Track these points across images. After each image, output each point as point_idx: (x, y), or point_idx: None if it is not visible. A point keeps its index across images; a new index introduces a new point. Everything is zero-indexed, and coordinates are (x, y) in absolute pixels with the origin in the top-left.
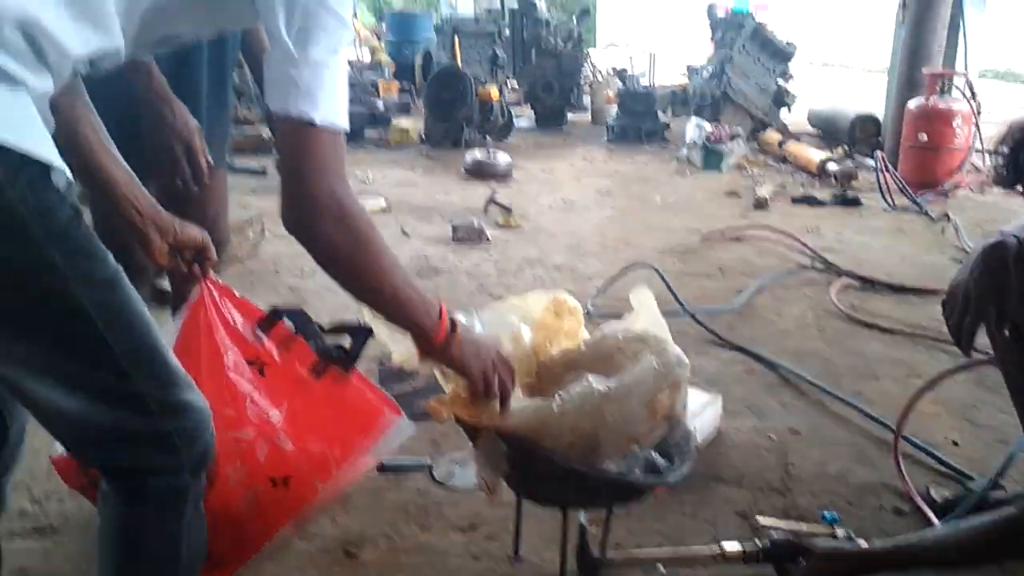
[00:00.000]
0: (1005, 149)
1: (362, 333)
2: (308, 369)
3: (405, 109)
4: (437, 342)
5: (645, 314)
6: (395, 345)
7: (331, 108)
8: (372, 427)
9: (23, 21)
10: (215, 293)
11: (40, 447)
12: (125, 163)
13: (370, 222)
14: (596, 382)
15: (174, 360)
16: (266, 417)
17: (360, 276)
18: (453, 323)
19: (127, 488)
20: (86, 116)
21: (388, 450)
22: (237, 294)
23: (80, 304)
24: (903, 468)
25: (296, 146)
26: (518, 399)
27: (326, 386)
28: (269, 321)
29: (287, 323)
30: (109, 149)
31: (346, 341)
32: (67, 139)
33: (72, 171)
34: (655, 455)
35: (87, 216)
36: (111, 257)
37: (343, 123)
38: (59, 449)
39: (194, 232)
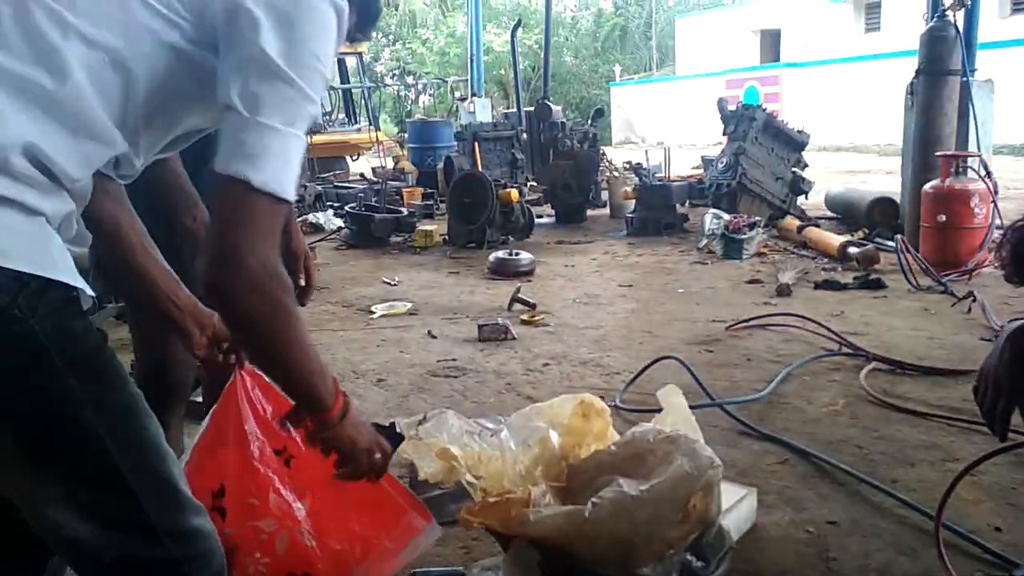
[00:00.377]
0: (1004, 252)
1: (394, 437)
2: (335, 464)
3: (428, 214)
4: (332, 417)
5: (674, 413)
6: (424, 462)
7: (274, 174)
8: (397, 529)
9: (27, 147)
10: (248, 382)
11: None
12: (165, 262)
13: (290, 290)
14: (628, 487)
15: (185, 488)
16: (289, 510)
17: (273, 344)
18: (347, 400)
19: None
20: (128, 220)
21: (414, 555)
22: (271, 383)
23: (94, 431)
24: (946, 558)
25: (231, 207)
26: (549, 505)
27: (353, 484)
28: (298, 414)
29: None
30: (150, 251)
31: None
32: (110, 242)
33: (116, 271)
34: (690, 557)
35: None
36: (131, 384)
37: (286, 193)
38: None
39: None
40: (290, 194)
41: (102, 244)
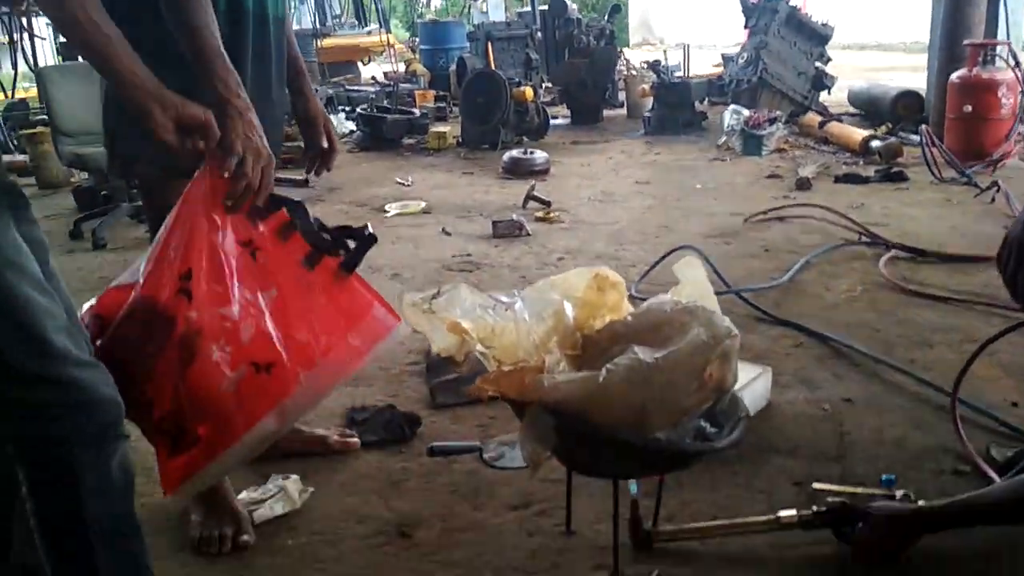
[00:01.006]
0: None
1: (365, 239)
2: (302, 259)
3: (441, 116)
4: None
5: (691, 285)
6: (436, 336)
7: None
8: (364, 323)
9: None
10: (214, 175)
11: None
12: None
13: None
14: (643, 354)
15: (62, 339)
16: (254, 299)
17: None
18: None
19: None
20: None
21: (380, 351)
22: None
23: None
24: (962, 431)
25: None
26: (564, 372)
27: (321, 280)
28: (266, 208)
29: (286, 214)
30: (108, 24)
31: None
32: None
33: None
34: (704, 423)
35: None
36: (9, 234)
37: None
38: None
39: (197, 110)
40: None
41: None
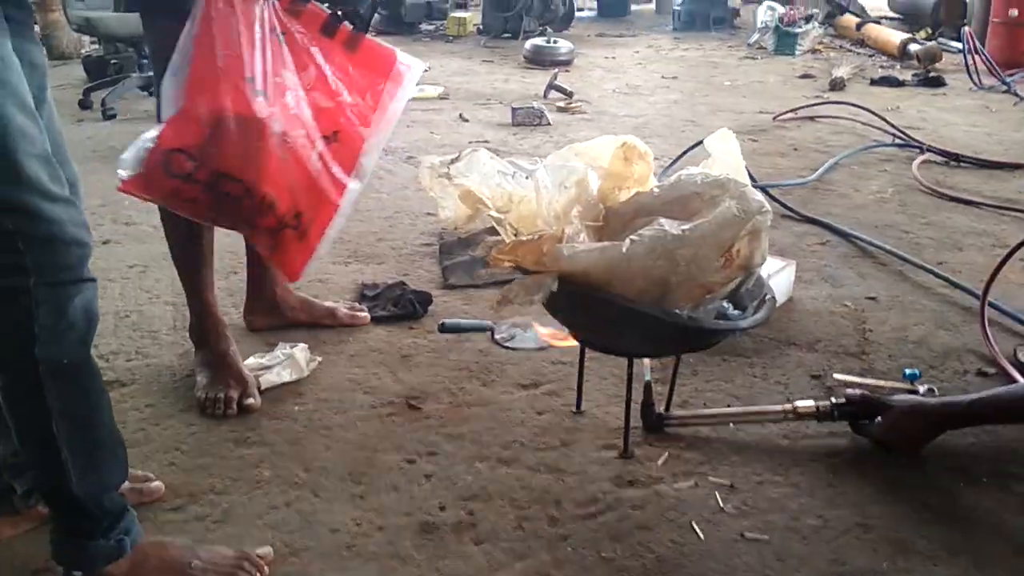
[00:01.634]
0: None
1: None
2: (319, 31)
3: (462, 3)
4: None
5: (723, 159)
6: (446, 204)
7: None
8: (391, 74)
9: None
10: None
11: (105, 310)
12: None
13: None
14: (670, 225)
15: (33, 167)
16: (299, 81)
17: None
18: None
19: None
20: None
21: (410, 95)
22: None
23: None
24: (989, 333)
25: None
26: (585, 242)
27: (341, 46)
28: None
29: None
30: None
31: None
32: None
33: None
34: (727, 304)
35: None
36: (8, 53)
37: None
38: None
39: None
40: None
41: None
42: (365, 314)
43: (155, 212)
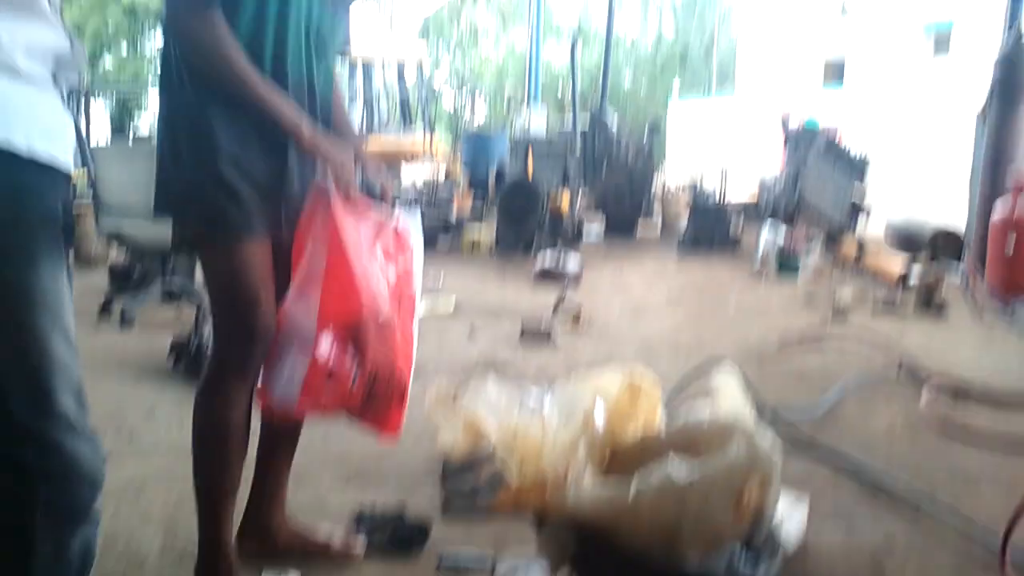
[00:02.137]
0: None
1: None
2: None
3: (477, 219)
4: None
5: (728, 396)
6: (447, 430)
7: None
8: (405, 237)
9: None
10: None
11: None
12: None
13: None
14: (677, 471)
15: (67, 402)
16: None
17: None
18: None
19: None
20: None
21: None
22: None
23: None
24: None
25: None
26: (591, 484)
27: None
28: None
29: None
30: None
31: None
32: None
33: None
34: (740, 551)
35: None
36: (58, 279)
37: None
38: None
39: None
40: None
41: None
42: (358, 547)
43: (159, 423)
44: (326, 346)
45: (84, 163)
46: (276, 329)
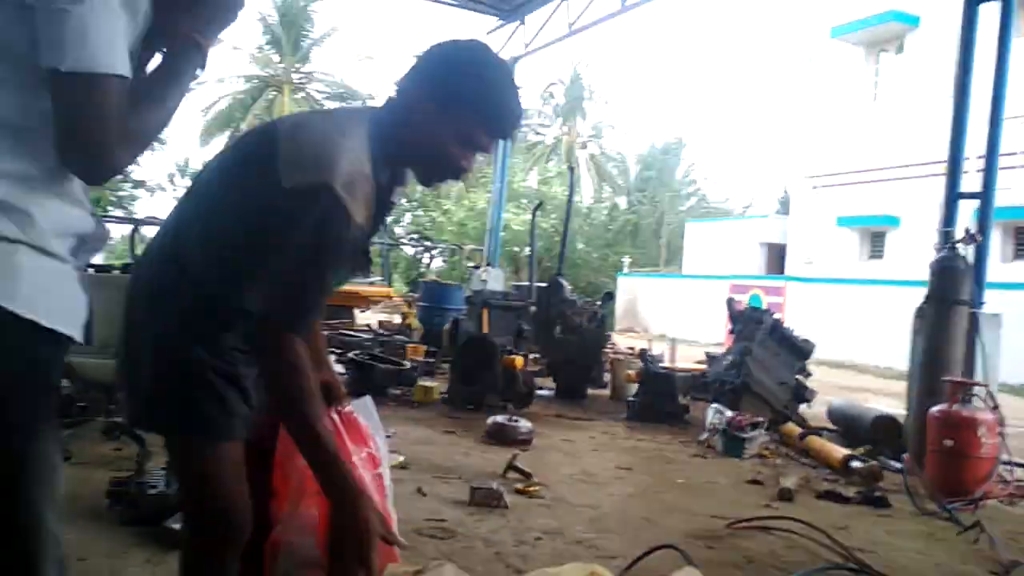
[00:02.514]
0: None
1: None
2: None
3: (430, 371)
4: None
5: None
6: None
7: (80, 54)
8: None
9: None
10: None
11: None
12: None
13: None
14: None
15: (51, 573)
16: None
17: None
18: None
19: None
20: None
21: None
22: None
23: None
24: None
25: (56, 100)
26: None
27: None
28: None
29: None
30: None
31: None
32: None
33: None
34: None
35: None
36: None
37: (101, 65)
38: None
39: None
40: (110, 64)
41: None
42: None
43: None
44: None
45: None
46: (276, 551)
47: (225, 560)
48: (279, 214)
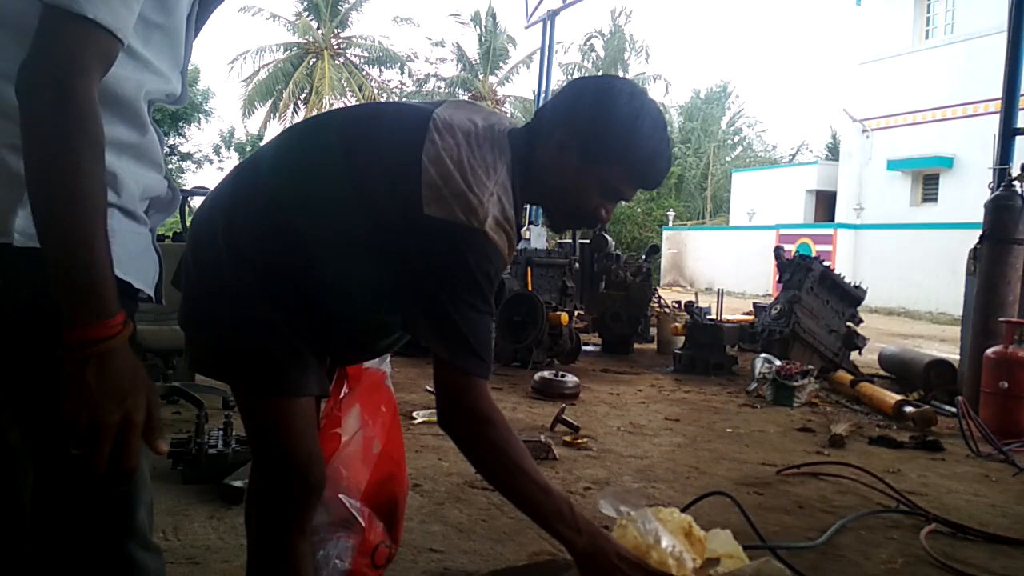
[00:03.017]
0: None
1: None
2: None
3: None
4: None
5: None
6: None
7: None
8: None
9: None
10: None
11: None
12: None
13: None
14: None
15: (143, 515)
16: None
17: None
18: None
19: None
20: None
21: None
22: None
23: None
24: None
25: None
26: None
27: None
28: None
29: None
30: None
31: None
32: None
33: None
34: None
35: None
36: None
37: (83, 8)
38: None
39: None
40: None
41: None
42: None
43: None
44: (372, 526)
45: None
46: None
47: (297, 514)
48: (417, 237)
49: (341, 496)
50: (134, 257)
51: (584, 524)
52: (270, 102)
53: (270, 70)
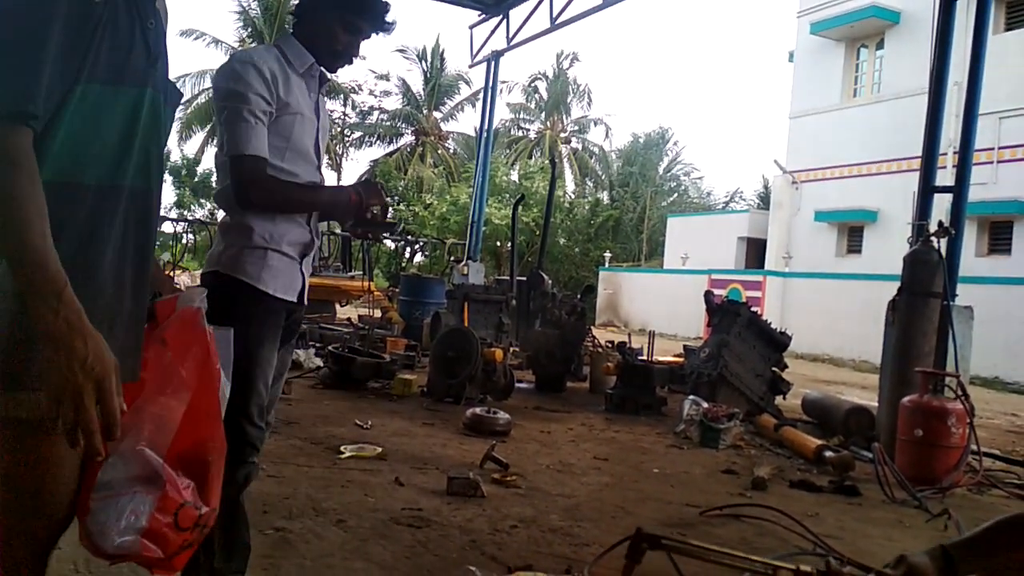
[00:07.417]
0: None
1: None
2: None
3: (410, 364)
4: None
5: None
6: None
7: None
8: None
9: None
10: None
11: None
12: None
13: None
14: None
15: (261, 415)
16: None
17: None
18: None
19: None
20: None
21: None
22: None
23: None
24: None
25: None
26: None
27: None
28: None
29: None
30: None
31: None
32: None
33: None
34: None
35: None
36: (273, 354)
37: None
38: None
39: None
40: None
41: None
42: None
43: None
44: (174, 480)
45: None
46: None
47: None
48: None
49: (141, 448)
50: (278, 277)
51: None
52: (209, 127)
53: (210, 95)
